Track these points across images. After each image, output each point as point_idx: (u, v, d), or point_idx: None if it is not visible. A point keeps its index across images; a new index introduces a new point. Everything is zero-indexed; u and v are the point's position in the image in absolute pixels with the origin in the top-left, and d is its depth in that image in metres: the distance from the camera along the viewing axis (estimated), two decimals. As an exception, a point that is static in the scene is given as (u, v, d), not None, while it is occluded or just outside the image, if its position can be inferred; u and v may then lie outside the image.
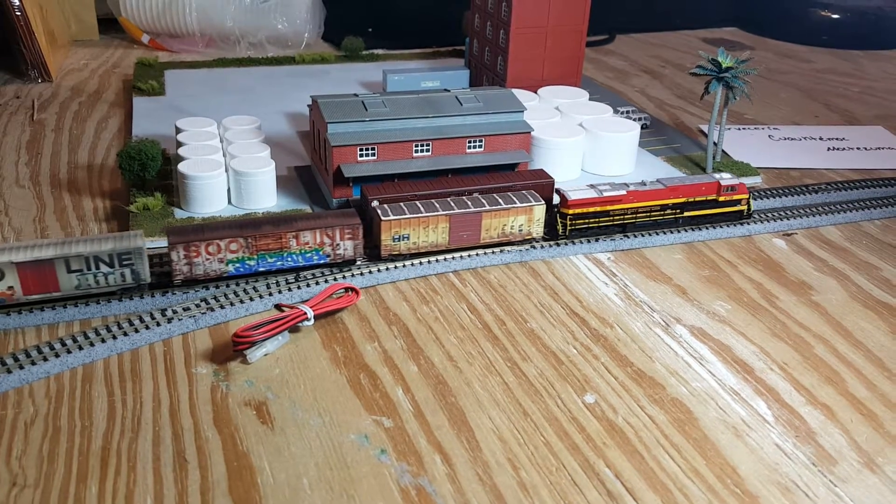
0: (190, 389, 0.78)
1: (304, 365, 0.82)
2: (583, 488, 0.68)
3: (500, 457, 0.71)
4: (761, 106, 1.73)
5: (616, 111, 1.43)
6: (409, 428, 0.74)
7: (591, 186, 1.08)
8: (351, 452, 0.71)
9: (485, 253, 1.02)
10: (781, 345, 0.90)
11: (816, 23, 2.39)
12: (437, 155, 1.14)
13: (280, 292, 0.93)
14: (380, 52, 2.02)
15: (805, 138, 1.54)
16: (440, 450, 0.72)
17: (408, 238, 0.98)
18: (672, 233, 1.10)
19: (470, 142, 1.15)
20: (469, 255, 1.02)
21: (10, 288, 0.84)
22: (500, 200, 1.02)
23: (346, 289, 0.93)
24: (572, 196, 1.05)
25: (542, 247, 1.05)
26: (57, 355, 0.80)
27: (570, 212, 1.06)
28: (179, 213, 1.10)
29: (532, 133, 1.19)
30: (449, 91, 1.20)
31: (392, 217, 0.97)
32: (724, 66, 1.28)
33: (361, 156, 1.10)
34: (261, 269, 0.93)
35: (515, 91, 1.26)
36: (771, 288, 1.01)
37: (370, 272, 0.97)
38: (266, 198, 1.13)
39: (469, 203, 1.01)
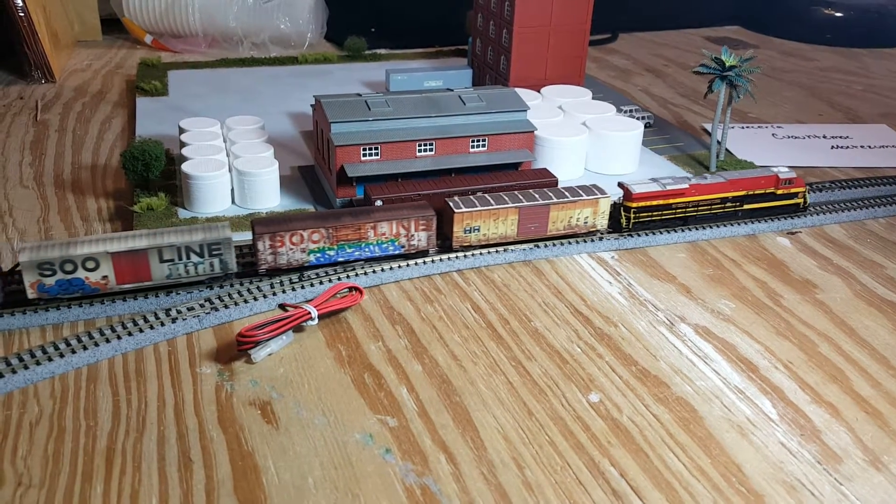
0: (194, 389, 0.78)
1: (309, 364, 0.82)
2: (588, 487, 0.68)
3: (505, 456, 0.71)
4: (765, 104, 1.73)
5: (619, 110, 1.43)
6: (414, 427, 0.74)
7: (654, 180, 1.10)
8: (355, 452, 0.71)
9: (488, 252, 1.02)
10: (786, 343, 0.89)
11: (820, 21, 2.38)
12: (440, 154, 1.14)
13: (284, 292, 0.93)
14: (382, 51, 2.02)
15: (809, 136, 1.54)
16: (445, 449, 0.72)
17: (478, 230, 1.01)
18: (676, 231, 1.10)
19: (473, 141, 1.15)
20: (472, 255, 1.02)
21: (105, 277, 0.87)
22: (566, 193, 1.04)
23: (350, 288, 0.93)
24: (636, 190, 1.07)
25: (545, 246, 1.05)
26: (62, 355, 0.80)
27: (634, 205, 1.08)
28: (183, 214, 1.10)
29: (535, 132, 1.19)
30: (452, 90, 1.20)
31: (464, 209, 1.00)
32: (727, 64, 1.28)
33: (365, 155, 1.11)
34: (339, 259, 0.96)
35: (518, 90, 1.26)
36: (775, 286, 1.01)
37: (373, 271, 0.97)
38: (270, 198, 1.13)
39: (537, 196, 1.03)
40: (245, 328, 0.82)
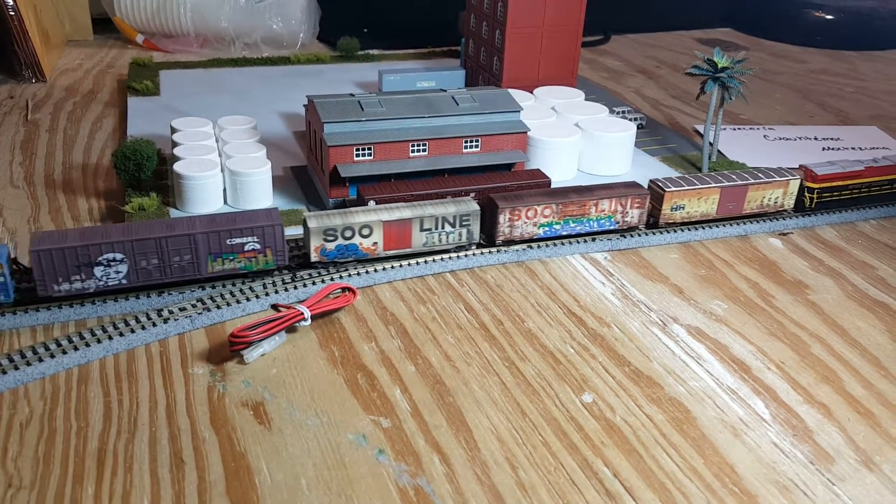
0: (186, 390, 0.78)
1: (302, 365, 0.82)
2: (581, 487, 0.68)
3: (499, 456, 0.71)
4: (756, 106, 1.74)
5: (612, 111, 1.43)
6: (407, 428, 0.74)
7: (831, 163, 1.18)
8: (349, 452, 0.71)
9: (481, 253, 1.02)
10: (778, 344, 0.90)
11: (811, 23, 2.40)
12: (433, 155, 1.14)
13: (277, 292, 0.92)
14: (375, 52, 2.01)
15: (800, 138, 1.55)
16: (438, 450, 0.72)
17: (683, 208, 1.09)
18: (668, 232, 1.11)
19: (466, 142, 1.15)
20: (465, 255, 1.02)
21: (375, 244, 0.96)
22: (760, 175, 1.13)
23: (343, 289, 0.92)
24: (821, 171, 1.15)
25: (538, 247, 1.05)
26: (52, 356, 0.79)
27: (818, 186, 1.15)
28: (175, 213, 1.10)
29: (528, 133, 1.19)
30: (445, 91, 1.20)
31: (673, 189, 1.08)
32: (719, 66, 1.28)
33: (358, 156, 1.10)
34: (563, 233, 1.05)
35: (511, 91, 1.26)
36: (767, 287, 1.01)
37: (367, 272, 0.97)
38: (262, 198, 1.13)
39: (734, 177, 1.12)
40: (237, 329, 0.82)
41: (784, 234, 1.15)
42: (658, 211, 1.09)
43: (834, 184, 1.16)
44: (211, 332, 0.87)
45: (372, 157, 1.11)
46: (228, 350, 0.82)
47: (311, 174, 1.23)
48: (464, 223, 0.99)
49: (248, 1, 1.93)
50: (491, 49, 1.60)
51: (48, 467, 0.68)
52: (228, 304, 0.89)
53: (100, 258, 0.85)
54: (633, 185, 1.07)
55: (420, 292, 0.96)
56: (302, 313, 0.86)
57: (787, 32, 2.38)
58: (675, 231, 1.11)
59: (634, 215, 1.06)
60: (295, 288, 0.93)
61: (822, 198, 1.17)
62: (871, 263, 1.08)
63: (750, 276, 1.04)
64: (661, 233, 1.10)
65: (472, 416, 0.76)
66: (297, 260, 0.98)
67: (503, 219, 1.01)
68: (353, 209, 0.97)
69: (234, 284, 0.93)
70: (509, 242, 1.03)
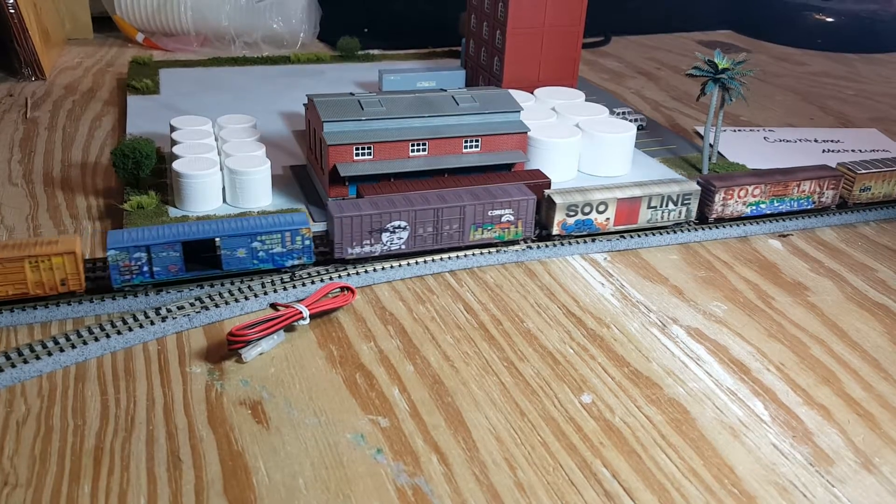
0: (184, 389, 0.77)
1: (300, 364, 0.82)
2: (580, 488, 0.68)
3: (497, 457, 0.71)
4: (757, 108, 1.74)
5: (612, 112, 1.43)
6: (406, 427, 0.74)
7: None
8: (347, 452, 0.70)
9: (481, 253, 1.02)
10: (778, 345, 0.89)
11: (811, 26, 2.40)
12: (433, 154, 1.13)
13: (276, 291, 0.92)
14: (375, 52, 2.01)
15: (800, 140, 1.55)
16: (437, 449, 0.71)
17: (870, 189, 1.18)
18: (668, 233, 1.10)
19: (466, 141, 1.15)
20: (465, 255, 1.01)
21: (607, 219, 1.04)
22: None
23: (342, 288, 0.92)
24: None
25: (537, 247, 1.05)
26: (50, 354, 0.79)
27: None
28: (174, 212, 1.09)
29: (528, 133, 1.19)
30: (445, 91, 1.20)
31: (862, 171, 1.17)
32: (720, 67, 1.28)
33: (357, 155, 1.10)
34: (766, 212, 1.13)
35: (512, 91, 1.26)
36: (767, 289, 1.01)
37: (366, 272, 0.97)
38: (261, 197, 1.13)
39: None
40: (236, 327, 0.82)
41: (784, 236, 1.15)
42: (848, 192, 1.18)
43: None
44: (209, 330, 0.87)
45: (371, 157, 1.11)
46: (226, 349, 0.82)
47: (311, 173, 1.23)
48: (685, 202, 1.07)
49: (249, 0, 1.93)
50: (491, 49, 1.60)
51: (45, 465, 0.68)
52: (227, 303, 0.89)
53: (388, 225, 0.95)
54: (826, 168, 1.16)
55: (419, 292, 0.96)
56: (301, 312, 0.86)
57: (787, 35, 2.38)
58: (674, 232, 1.11)
59: (829, 196, 1.15)
60: (294, 287, 0.93)
61: None
62: (870, 265, 1.08)
63: (749, 278, 1.03)
64: (660, 234, 1.10)
65: (470, 416, 0.76)
66: (537, 233, 1.06)
67: (718, 198, 1.09)
68: (589, 187, 1.06)
69: (232, 283, 0.93)
70: (720, 220, 1.12)
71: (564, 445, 0.73)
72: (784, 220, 1.15)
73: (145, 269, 0.88)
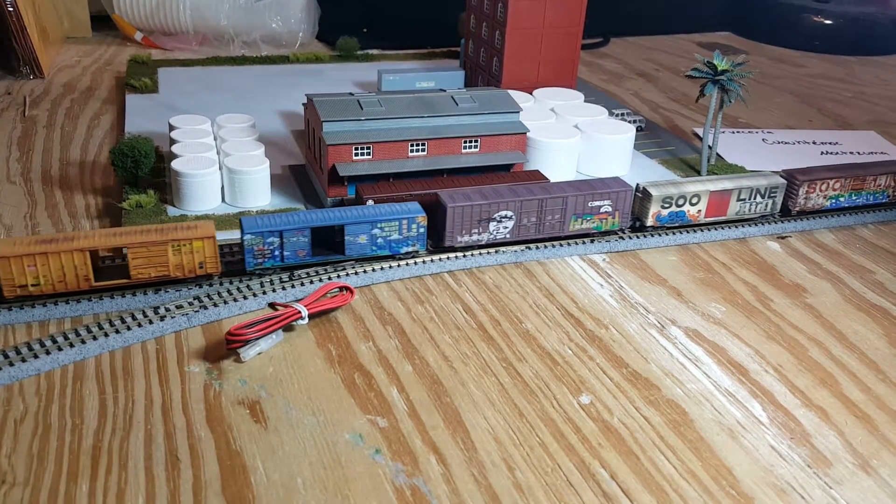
0: (182, 388, 0.77)
1: (298, 364, 0.82)
2: (578, 489, 0.68)
3: (496, 457, 0.71)
4: (755, 110, 1.74)
5: (611, 113, 1.43)
6: (404, 428, 0.74)
7: None
8: (345, 452, 0.70)
9: (479, 254, 1.02)
10: (776, 347, 0.90)
11: (810, 28, 2.40)
12: (432, 155, 1.13)
13: (274, 291, 0.92)
14: (374, 52, 2.01)
15: (798, 142, 1.55)
16: (435, 450, 0.71)
17: None
18: (667, 234, 1.10)
19: (465, 142, 1.15)
20: (464, 256, 1.01)
21: (699, 211, 1.06)
22: None
23: (341, 288, 0.92)
24: None
25: (536, 248, 1.05)
26: (48, 352, 0.79)
27: None
28: (172, 211, 1.09)
29: (528, 134, 1.19)
30: (445, 91, 1.20)
31: None
32: (719, 68, 1.28)
33: (357, 155, 1.10)
34: (845, 205, 1.16)
35: (511, 92, 1.26)
36: (765, 290, 1.01)
37: (364, 271, 0.97)
38: (260, 196, 1.12)
39: None
40: (234, 327, 0.81)
41: (782, 238, 1.15)
42: None
43: None
44: (208, 330, 0.86)
45: (371, 157, 1.11)
46: (225, 348, 0.82)
47: (310, 173, 1.23)
48: (772, 194, 1.09)
49: (248, -1, 1.93)
50: (491, 50, 1.60)
51: (42, 464, 0.68)
52: (225, 303, 0.89)
53: (496, 214, 0.98)
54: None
55: (418, 292, 0.96)
56: (299, 312, 0.86)
57: (786, 37, 2.38)
58: (673, 233, 1.11)
59: None
60: (293, 286, 0.93)
61: None
62: (869, 268, 1.08)
63: (748, 280, 1.03)
64: (659, 235, 1.10)
65: (469, 416, 0.76)
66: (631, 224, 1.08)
67: (802, 191, 1.12)
68: (682, 180, 1.09)
69: (231, 283, 0.93)
70: (802, 213, 1.15)
71: (563, 446, 0.73)
72: (859, 214, 1.18)
73: (276, 252, 0.92)
